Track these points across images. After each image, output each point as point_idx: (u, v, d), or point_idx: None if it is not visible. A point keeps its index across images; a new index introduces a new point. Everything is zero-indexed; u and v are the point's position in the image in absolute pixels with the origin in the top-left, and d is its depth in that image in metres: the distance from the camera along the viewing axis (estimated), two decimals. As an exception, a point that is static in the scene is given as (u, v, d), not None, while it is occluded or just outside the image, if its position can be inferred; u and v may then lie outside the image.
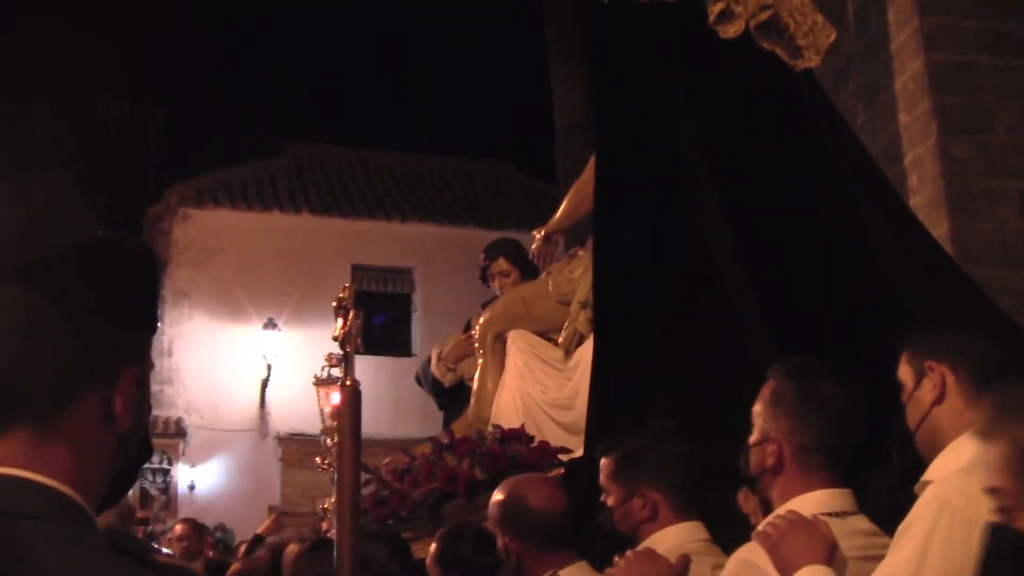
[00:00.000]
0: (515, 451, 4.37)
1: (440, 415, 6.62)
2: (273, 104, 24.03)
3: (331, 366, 6.34)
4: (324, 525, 5.92)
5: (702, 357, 3.62)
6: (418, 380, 6.77)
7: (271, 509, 14.68)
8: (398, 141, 20.69)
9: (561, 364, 5.13)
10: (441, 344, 6.51)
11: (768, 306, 3.64)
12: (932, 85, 6.75)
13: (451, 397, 6.33)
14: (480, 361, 5.52)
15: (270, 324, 17.07)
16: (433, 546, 3.50)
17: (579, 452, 4.19)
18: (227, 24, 24.51)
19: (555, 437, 4.59)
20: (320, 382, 6.53)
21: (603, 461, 2.97)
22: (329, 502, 5.76)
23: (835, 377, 2.49)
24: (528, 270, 5.97)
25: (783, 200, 3.98)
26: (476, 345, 5.59)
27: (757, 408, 2.54)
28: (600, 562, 2.94)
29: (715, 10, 4.25)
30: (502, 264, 5.96)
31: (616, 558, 2.62)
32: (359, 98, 27.58)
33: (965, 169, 6.54)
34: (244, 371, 17.05)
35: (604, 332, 3.94)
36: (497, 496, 3.27)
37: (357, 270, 17.86)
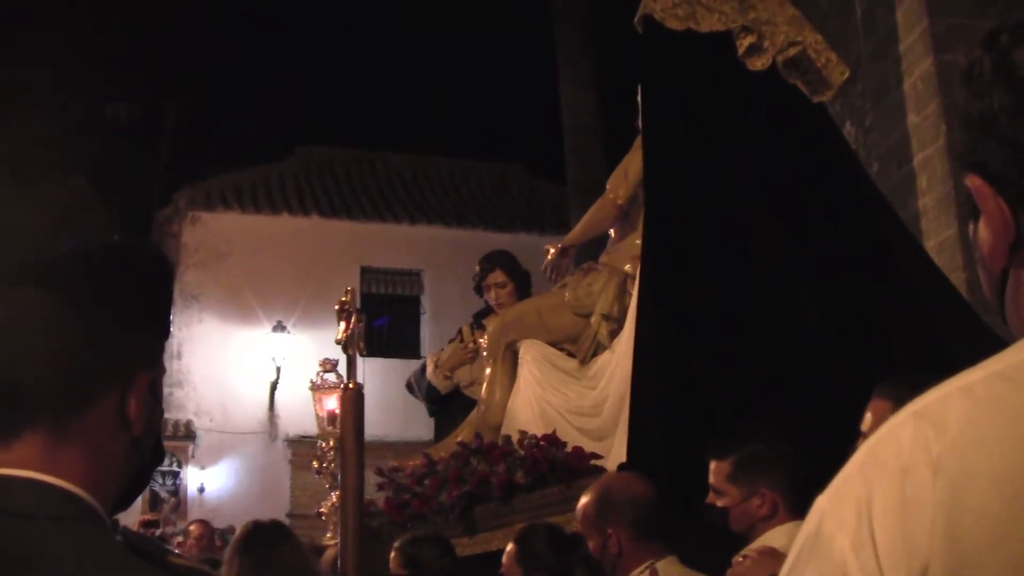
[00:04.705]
0: (553, 455, 4.45)
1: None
2: (281, 107, 24.08)
3: (325, 371, 6.40)
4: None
5: (756, 365, 3.89)
6: (409, 387, 6.85)
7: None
8: (407, 143, 20.70)
9: (577, 373, 5.19)
10: (437, 352, 6.60)
11: (821, 309, 3.96)
12: (941, 85, 6.73)
13: (444, 404, 6.43)
14: (488, 370, 5.55)
15: (279, 327, 17.08)
16: (510, 546, 3.60)
17: (606, 457, 4.42)
18: (236, 26, 24.58)
19: (575, 442, 4.68)
20: (316, 387, 6.58)
21: (715, 464, 3.08)
22: (327, 506, 5.79)
23: None
24: (522, 282, 6.07)
25: (819, 219, 4.35)
26: (486, 354, 5.64)
27: (870, 421, 2.67)
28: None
29: (744, 43, 4.51)
30: (498, 275, 6.05)
31: (736, 557, 2.72)
32: (367, 100, 27.63)
33: (975, 170, 6.53)
34: (253, 373, 17.06)
35: (647, 339, 4.16)
36: (591, 495, 3.33)
37: (366, 272, 17.88)
